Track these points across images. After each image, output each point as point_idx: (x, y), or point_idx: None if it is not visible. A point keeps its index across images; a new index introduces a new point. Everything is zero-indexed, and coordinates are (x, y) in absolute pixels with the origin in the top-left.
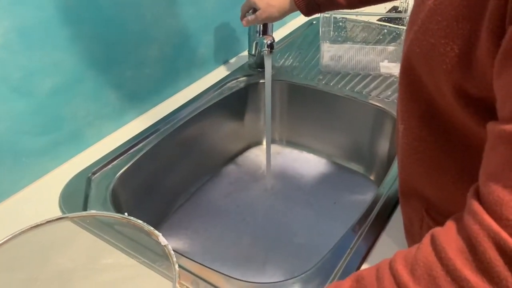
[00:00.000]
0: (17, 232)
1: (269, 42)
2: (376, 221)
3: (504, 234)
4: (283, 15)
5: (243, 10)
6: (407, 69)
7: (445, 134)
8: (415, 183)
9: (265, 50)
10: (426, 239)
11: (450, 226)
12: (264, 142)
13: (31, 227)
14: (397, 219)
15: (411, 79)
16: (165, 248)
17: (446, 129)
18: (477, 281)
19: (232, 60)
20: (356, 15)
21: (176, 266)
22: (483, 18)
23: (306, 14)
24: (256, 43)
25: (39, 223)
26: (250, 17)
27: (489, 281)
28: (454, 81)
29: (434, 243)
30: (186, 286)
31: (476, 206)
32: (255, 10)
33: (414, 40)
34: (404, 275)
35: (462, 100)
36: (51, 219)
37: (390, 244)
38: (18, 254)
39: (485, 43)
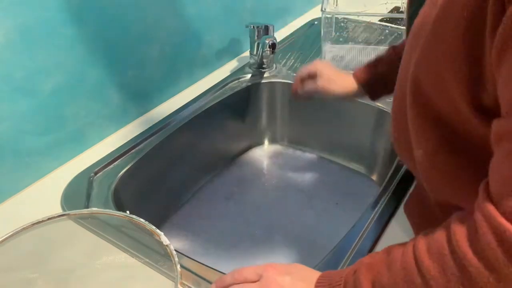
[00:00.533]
0: (19, 229)
1: (271, 42)
2: (378, 221)
3: (500, 218)
4: (344, 96)
5: (302, 73)
6: (416, 94)
7: (465, 152)
8: (448, 198)
9: (267, 50)
10: (445, 223)
11: (463, 214)
12: (266, 142)
13: (33, 224)
14: (399, 219)
15: (422, 104)
16: (167, 248)
17: (466, 147)
18: (473, 257)
19: (234, 60)
20: (358, 15)
21: (178, 266)
22: (485, 26)
23: (373, 98)
24: (258, 44)
25: (41, 220)
26: (310, 84)
27: (483, 259)
28: (469, 96)
29: (448, 227)
30: (188, 286)
31: (483, 197)
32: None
33: (420, 65)
34: (423, 251)
35: (479, 114)
36: (52, 216)
37: (392, 244)
38: (20, 253)
39: (490, 49)
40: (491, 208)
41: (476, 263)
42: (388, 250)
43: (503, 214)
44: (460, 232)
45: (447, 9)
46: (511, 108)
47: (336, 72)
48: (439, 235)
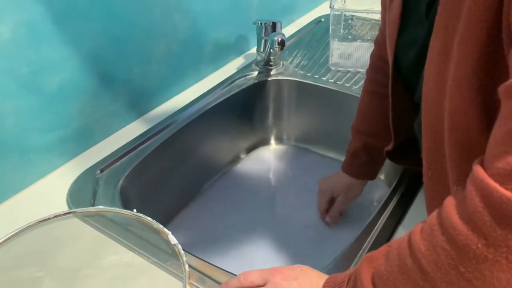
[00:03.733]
0: (25, 226)
1: (280, 39)
2: (388, 221)
3: (487, 180)
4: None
5: (322, 204)
6: (457, 130)
7: None
8: None
9: (276, 47)
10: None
11: (456, 192)
12: (272, 141)
13: (39, 222)
14: (409, 219)
15: (463, 139)
16: (175, 247)
17: None
18: (460, 224)
19: (240, 58)
20: (367, 13)
21: (186, 266)
22: (501, 25)
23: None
24: (265, 41)
25: (47, 218)
26: (332, 210)
27: (470, 224)
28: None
29: (441, 206)
30: (192, 283)
31: (475, 163)
32: (332, 199)
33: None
34: (417, 232)
35: None
36: (58, 214)
37: None
38: (26, 251)
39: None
40: (480, 171)
41: (464, 229)
42: (390, 242)
43: (492, 176)
44: (450, 203)
45: (468, 30)
46: None
47: (338, 181)
48: (433, 214)
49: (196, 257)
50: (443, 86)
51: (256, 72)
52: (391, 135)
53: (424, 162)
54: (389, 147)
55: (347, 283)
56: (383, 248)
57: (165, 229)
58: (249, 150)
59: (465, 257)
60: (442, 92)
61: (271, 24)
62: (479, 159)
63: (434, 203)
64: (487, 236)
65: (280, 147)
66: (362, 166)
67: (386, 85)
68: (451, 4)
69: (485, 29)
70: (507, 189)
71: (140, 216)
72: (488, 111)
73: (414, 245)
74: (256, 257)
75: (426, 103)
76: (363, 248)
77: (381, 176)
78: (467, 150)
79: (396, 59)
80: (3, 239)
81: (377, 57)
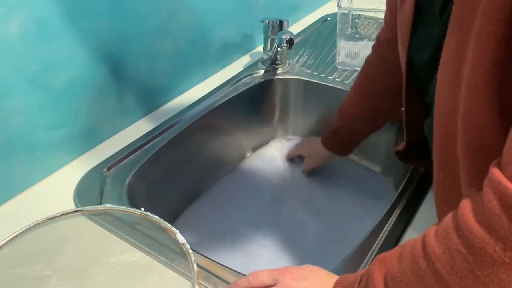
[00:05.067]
0: (32, 224)
1: (288, 38)
2: (397, 222)
3: (505, 182)
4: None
5: (292, 155)
6: (470, 131)
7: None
8: None
9: (285, 46)
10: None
11: (472, 194)
12: (279, 139)
13: (46, 220)
14: (418, 220)
15: (476, 140)
16: (183, 247)
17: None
18: (477, 228)
19: (247, 56)
20: (375, 12)
21: (195, 265)
22: None
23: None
24: (272, 39)
25: (54, 216)
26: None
27: (487, 228)
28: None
29: (457, 209)
30: (199, 282)
31: (492, 165)
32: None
33: (470, 100)
34: (431, 234)
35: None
36: (66, 212)
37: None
38: (33, 249)
39: None
40: (497, 173)
41: (481, 233)
42: (403, 244)
43: (510, 178)
44: (466, 206)
45: (484, 33)
46: None
47: (317, 151)
48: (448, 216)
49: (203, 255)
50: (457, 87)
51: (263, 71)
52: (375, 120)
53: (434, 164)
54: (400, 147)
55: (359, 283)
56: (396, 249)
57: (173, 228)
58: (255, 148)
59: (482, 261)
60: (456, 93)
61: (278, 22)
62: (497, 161)
63: (445, 205)
64: (505, 240)
65: (287, 145)
66: (339, 143)
67: (383, 68)
68: (466, 4)
69: (500, 29)
70: None
71: (147, 215)
72: (503, 113)
73: (429, 248)
74: (262, 256)
75: (439, 104)
76: (372, 249)
77: (388, 177)
78: (480, 151)
79: (409, 60)
80: (10, 237)
81: (385, 40)
